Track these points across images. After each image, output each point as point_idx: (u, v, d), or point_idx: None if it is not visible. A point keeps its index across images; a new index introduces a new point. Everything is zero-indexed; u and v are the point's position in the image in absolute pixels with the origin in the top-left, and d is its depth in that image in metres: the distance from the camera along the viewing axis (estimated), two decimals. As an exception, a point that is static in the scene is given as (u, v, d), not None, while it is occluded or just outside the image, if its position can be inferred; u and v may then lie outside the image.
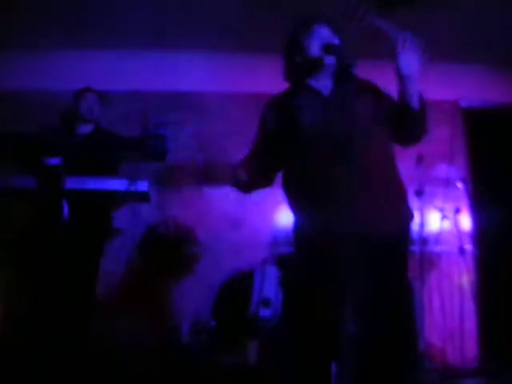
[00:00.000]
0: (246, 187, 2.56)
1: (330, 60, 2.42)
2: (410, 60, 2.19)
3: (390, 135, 2.46)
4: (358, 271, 2.24)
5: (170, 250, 4.54)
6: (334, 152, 2.31)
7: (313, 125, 2.38)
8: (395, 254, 2.33)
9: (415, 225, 4.47)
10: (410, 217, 2.47)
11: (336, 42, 2.44)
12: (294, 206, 2.49)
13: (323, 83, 2.47)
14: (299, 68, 2.50)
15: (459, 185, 4.74)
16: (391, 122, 2.39)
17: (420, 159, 4.46)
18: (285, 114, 2.46)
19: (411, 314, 3.99)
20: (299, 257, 2.48)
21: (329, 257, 2.26)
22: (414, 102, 2.27)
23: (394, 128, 2.40)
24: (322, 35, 2.44)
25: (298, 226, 2.48)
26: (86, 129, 3.93)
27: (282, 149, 2.47)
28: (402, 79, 2.25)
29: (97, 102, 3.98)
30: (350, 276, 2.26)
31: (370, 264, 2.20)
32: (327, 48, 2.40)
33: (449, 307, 4.67)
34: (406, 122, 2.32)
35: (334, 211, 2.27)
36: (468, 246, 4.76)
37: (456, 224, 4.76)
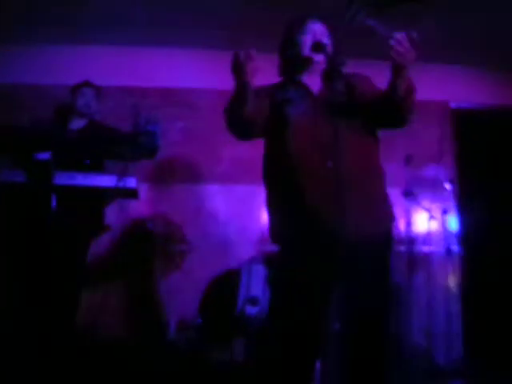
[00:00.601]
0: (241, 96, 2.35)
1: (318, 58, 2.44)
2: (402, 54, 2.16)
3: (374, 129, 2.49)
4: (341, 271, 2.27)
5: (158, 246, 4.54)
6: (315, 150, 2.34)
7: (298, 121, 2.39)
8: (377, 254, 2.34)
9: (402, 225, 4.51)
10: (392, 218, 2.48)
11: (326, 40, 2.45)
12: (273, 201, 2.50)
13: (313, 80, 2.48)
14: (292, 63, 2.52)
15: (447, 186, 4.75)
16: (376, 107, 2.40)
17: (408, 159, 4.48)
18: (274, 104, 2.47)
19: (394, 314, 4.02)
20: (282, 255, 2.49)
21: (309, 256, 2.29)
22: (399, 88, 2.25)
23: (379, 112, 2.40)
24: (314, 32, 2.47)
25: (276, 223, 2.48)
26: (79, 123, 3.92)
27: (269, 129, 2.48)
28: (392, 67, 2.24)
29: (94, 97, 3.96)
30: (333, 275, 2.29)
31: (352, 264, 2.22)
32: (315, 46, 2.42)
33: (435, 307, 4.69)
34: (389, 103, 2.31)
35: (313, 211, 2.29)
36: (455, 247, 4.78)
37: (443, 224, 4.78)
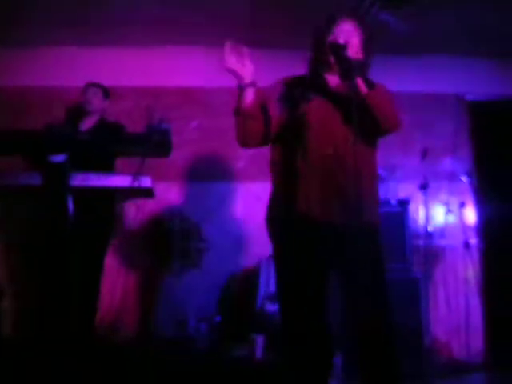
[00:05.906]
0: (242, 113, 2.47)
1: (333, 58, 2.39)
2: None
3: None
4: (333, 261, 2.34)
5: (176, 244, 4.55)
6: (323, 147, 2.36)
7: (315, 122, 2.39)
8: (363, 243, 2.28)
9: (419, 219, 4.50)
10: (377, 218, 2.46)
11: (346, 40, 2.39)
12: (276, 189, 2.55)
13: (334, 81, 2.46)
14: (318, 63, 2.51)
15: (464, 178, 4.73)
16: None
17: (425, 153, 4.47)
18: (293, 101, 2.46)
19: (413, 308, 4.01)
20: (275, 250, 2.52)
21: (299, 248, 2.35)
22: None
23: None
24: (342, 33, 2.42)
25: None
26: (89, 123, 3.92)
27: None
28: None
29: (96, 94, 3.94)
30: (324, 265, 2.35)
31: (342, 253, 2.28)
32: (330, 47, 2.38)
33: (454, 301, 4.67)
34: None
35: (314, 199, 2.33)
36: (473, 240, 4.77)
37: (461, 218, 4.77)
